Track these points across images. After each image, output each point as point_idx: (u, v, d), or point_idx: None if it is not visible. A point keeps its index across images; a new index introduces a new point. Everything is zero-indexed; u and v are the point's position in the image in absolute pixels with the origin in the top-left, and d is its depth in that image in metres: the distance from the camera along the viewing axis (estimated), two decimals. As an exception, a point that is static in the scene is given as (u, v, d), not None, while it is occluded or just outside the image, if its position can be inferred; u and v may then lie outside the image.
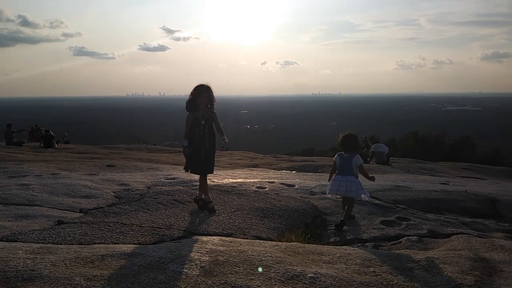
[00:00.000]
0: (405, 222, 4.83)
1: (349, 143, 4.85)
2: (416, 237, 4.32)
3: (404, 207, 5.50)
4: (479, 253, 3.57)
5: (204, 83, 4.57)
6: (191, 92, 4.52)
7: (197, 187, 5.87)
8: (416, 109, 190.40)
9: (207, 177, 4.87)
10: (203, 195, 4.74)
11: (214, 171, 4.94)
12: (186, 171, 4.72)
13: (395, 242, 4.23)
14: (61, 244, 3.11)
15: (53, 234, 3.42)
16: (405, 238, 4.29)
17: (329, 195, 5.07)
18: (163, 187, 5.93)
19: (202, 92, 4.48)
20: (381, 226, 4.71)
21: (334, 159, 4.88)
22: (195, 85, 4.56)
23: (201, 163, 4.60)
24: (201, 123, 4.53)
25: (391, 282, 2.70)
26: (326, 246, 3.71)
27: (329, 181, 4.91)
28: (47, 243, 3.09)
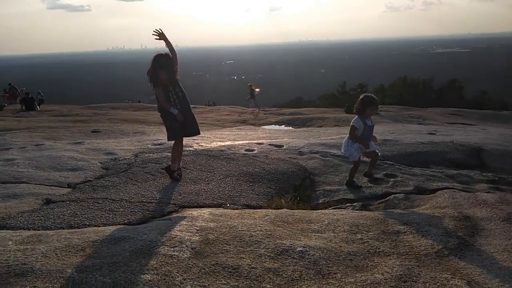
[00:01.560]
0: (392, 179, 4.91)
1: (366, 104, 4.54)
2: (403, 194, 4.42)
3: (392, 163, 5.57)
4: (462, 211, 3.68)
5: (163, 53, 4.35)
6: (151, 67, 4.31)
7: (185, 152, 5.84)
8: (405, 53, 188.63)
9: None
10: (176, 164, 4.70)
11: (202, 132, 4.92)
12: (176, 138, 4.64)
13: (382, 200, 4.33)
14: (51, 229, 3.11)
15: (42, 216, 3.41)
16: (392, 196, 4.38)
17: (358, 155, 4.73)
18: (151, 154, 5.89)
19: (161, 69, 4.29)
20: (369, 185, 4.79)
21: (355, 124, 4.57)
22: (154, 56, 4.34)
23: (188, 126, 4.55)
24: (170, 89, 4.42)
25: (377, 250, 2.78)
26: (314, 211, 3.78)
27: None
28: (36, 229, 3.09)
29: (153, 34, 4.38)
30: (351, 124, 4.68)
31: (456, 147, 6.37)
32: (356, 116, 4.63)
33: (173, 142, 4.70)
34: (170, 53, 4.40)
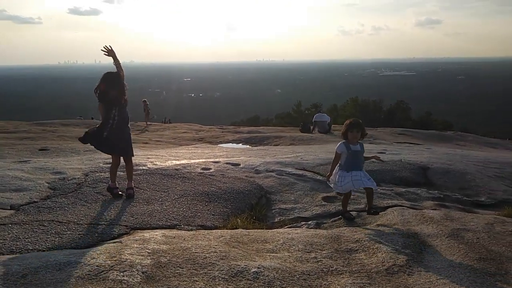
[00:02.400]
0: (344, 197, 5.04)
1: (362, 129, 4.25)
2: (355, 212, 4.55)
3: (344, 181, 5.72)
4: (411, 227, 3.84)
5: (114, 72, 4.35)
6: (101, 83, 4.27)
7: (139, 171, 5.69)
8: (356, 75, 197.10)
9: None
10: (114, 183, 4.70)
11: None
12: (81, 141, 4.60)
13: (336, 218, 4.42)
14: (-11, 254, 2.89)
15: (-21, 241, 3.16)
16: (345, 214, 4.49)
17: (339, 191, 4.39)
18: (102, 173, 5.67)
19: (111, 90, 4.27)
20: (323, 203, 4.89)
21: (338, 150, 4.26)
22: (104, 73, 4.34)
23: (111, 143, 4.55)
24: (113, 111, 4.39)
25: (330, 269, 2.82)
26: (270, 231, 3.79)
27: (328, 178, 4.43)
28: (-28, 256, 2.86)
29: (102, 50, 4.33)
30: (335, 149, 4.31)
31: (404, 166, 6.66)
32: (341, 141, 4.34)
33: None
34: (117, 68, 4.40)
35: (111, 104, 4.36)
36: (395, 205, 4.73)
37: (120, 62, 4.45)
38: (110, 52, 4.34)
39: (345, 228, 4.06)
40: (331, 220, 4.39)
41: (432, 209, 4.59)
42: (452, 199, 5.21)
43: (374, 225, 4.12)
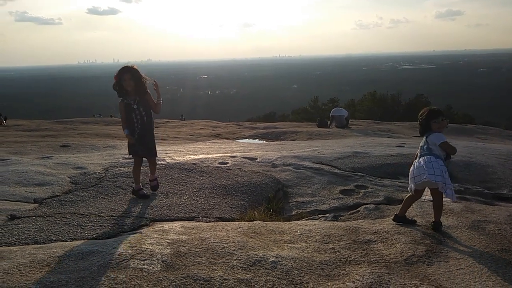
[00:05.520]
0: (363, 190, 5.01)
1: (419, 123, 3.67)
2: (373, 205, 4.51)
3: (362, 174, 5.68)
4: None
5: (129, 65, 4.35)
6: (114, 76, 4.30)
7: (157, 166, 5.76)
8: (374, 69, 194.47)
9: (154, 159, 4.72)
10: (138, 184, 4.60)
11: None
12: (130, 154, 4.65)
13: (354, 211, 4.41)
14: (14, 244, 2.98)
15: (5, 232, 3.26)
16: (363, 206, 4.47)
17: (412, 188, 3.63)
18: (122, 168, 5.78)
19: (124, 74, 4.24)
20: (341, 196, 4.87)
21: (444, 138, 3.56)
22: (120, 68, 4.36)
23: (144, 146, 4.50)
24: (134, 107, 4.34)
25: (349, 259, 2.82)
26: (287, 222, 3.80)
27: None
28: (-1, 245, 2.96)
29: (152, 83, 4.41)
30: (441, 140, 3.48)
31: (424, 159, 6.56)
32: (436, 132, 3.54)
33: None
34: (157, 104, 4.46)
35: (128, 104, 4.32)
36: (414, 198, 4.67)
37: (136, 61, 4.49)
38: (156, 86, 4.42)
39: (363, 220, 4.04)
40: (349, 212, 4.38)
41: (452, 202, 4.52)
42: (473, 192, 5.11)
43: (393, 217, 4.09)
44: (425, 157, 3.48)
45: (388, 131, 15.32)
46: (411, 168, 3.62)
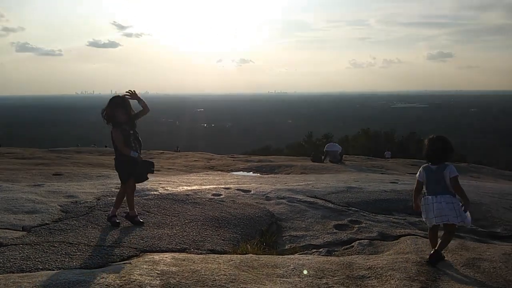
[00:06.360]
0: (357, 225, 4.97)
1: (438, 148, 3.64)
2: (367, 240, 4.47)
3: (356, 209, 5.65)
4: (425, 256, 3.74)
5: (120, 96, 4.43)
6: (107, 107, 4.35)
7: (150, 196, 5.72)
8: (367, 107, 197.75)
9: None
10: (135, 209, 4.61)
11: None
12: (139, 182, 4.63)
13: (348, 246, 4.35)
14: (-1, 273, 2.90)
15: (-10, 260, 3.18)
16: (357, 242, 4.42)
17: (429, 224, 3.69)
18: (114, 198, 5.67)
19: (118, 108, 4.34)
20: (334, 230, 4.82)
21: (417, 176, 3.77)
22: (110, 98, 4.43)
23: (146, 169, 4.56)
24: (130, 133, 4.42)
25: (342, 295, 2.76)
26: (280, 256, 3.73)
27: (414, 204, 3.77)
28: (-18, 274, 2.87)
29: (125, 94, 4.47)
30: (454, 174, 3.57)
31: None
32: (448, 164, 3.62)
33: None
34: (143, 108, 4.52)
35: (124, 129, 4.38)
36: (408, 234, 4.64)
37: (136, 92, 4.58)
38: (133, 95, 4.49)
39: (357, 255, 3.98)
40: (343, 248, 4.32)
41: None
42: (467, 230, 5.08)
43: (387, 253, 4.04)
44: (445, 196, 3.56)
45: (381, 167, 15.39)
46: (424, 202, 3.64)
